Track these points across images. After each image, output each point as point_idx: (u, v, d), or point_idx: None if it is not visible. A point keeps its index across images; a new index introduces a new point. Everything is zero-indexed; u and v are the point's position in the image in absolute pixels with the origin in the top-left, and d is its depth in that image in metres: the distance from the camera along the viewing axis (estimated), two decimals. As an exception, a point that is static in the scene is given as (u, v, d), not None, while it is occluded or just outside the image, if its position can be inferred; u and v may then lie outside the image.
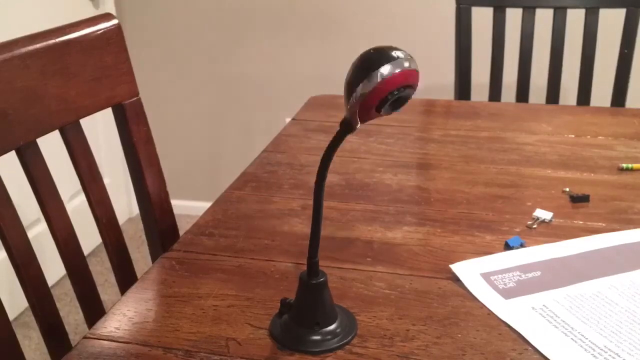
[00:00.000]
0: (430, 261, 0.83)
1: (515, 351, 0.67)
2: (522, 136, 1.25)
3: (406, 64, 0.58)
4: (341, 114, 1.51)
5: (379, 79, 0.57)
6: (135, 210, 2.65)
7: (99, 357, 0.67)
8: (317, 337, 0.68)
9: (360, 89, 0.58)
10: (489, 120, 1.35)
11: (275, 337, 0.69)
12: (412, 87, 0.59)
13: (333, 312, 0.69)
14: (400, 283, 0.79)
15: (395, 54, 0.58)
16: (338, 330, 0.69)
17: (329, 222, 0.93)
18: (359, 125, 0.61)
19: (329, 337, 0.68)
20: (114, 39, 0.99)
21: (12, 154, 0.86)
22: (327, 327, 0.68)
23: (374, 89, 0.57)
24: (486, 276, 0.79)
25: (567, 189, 1.02)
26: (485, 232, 0.90)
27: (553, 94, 1.69)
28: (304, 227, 0.92)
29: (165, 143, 2.61)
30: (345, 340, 0.68)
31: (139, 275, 0.90)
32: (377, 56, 0.58)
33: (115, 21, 0.99)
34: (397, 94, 0.58)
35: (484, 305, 0.74)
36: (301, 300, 0.69)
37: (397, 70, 0.57)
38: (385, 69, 0.57)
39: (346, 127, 0.62)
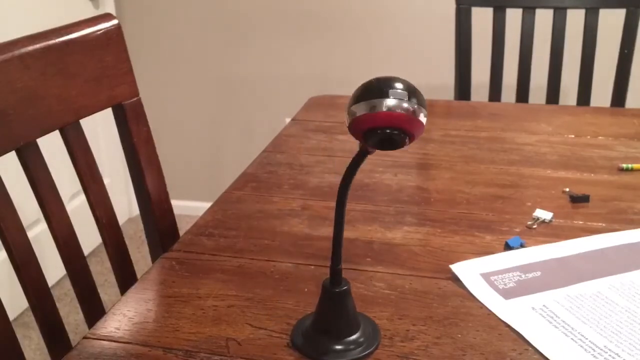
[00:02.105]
0: (430, 261, 0.83)
1: (515, 351, 0.67)
2: (522, 136, 1.25)
3: (405, 105, 0.55)
4: (340, 114, 1.52)
5: (367, 110, 0.56)
6: (135, 210, 2.65)
7: (99, 357, 0.67)
8: (340, 347, 0.66)
9: (351, 111, 0.57)
10: (489, 120, 1.35)
11: (297, 346, 0.67)
12: (404, 131, 0.56)
13: (356, 321, 0.68)
14: (400, 283, 0.79)
15: (397, 90, 0.55)
16: (361, 339, 0.67)
17: (329, 223, 0.93)
18: (371, 150, 0.59)
19: (352, 346, 0.66)
20: (114, 39, 0.99)
21: (12, 154, 0.86)
22: (350, 336, 0.67)
23: (360, 118, 0.56)
24: (486, 276, 0.79)
25: (567, 189, 1.02)
26: (485, 232, 0.90)
27: (553, 94, 1.69)
28: (303, 228, 0.92)
29: (166, 143, 2.61)
30: (368, 350, 0.67)
31: (139, 275, 0.90)
32: (380, 86, 0.56)
33: (115, 21, 0.99)
34: (380, 133, 0.56)
35: (484, 306, 0.74)
36: (324, 308, 0.68)
37: (387, 109, 0.55)
38: (380, 104, 0.56)
39: (360, 152, 0.60)
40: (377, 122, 0.56)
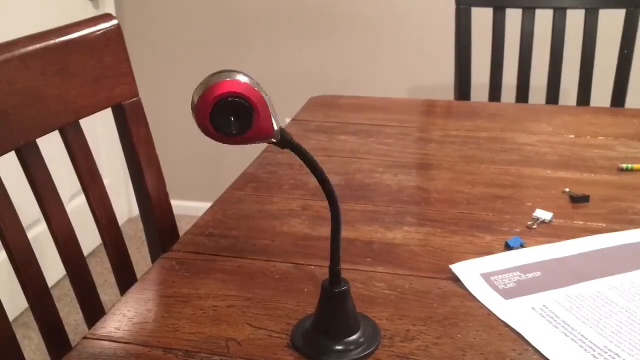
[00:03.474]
0: (430, 261, 0.83)
1: (515, 351, 0.67)
2: (522, 136, 1.25)
3: (237, 77, 0.57)
4: (340, 114, 1.52)
5: (205, 87, 0.57)
6: (135, 210, 2.65)
7: (99, 358, 0.67)
8: (340, 347, 0.66)
9: (194, 101, 0.58)
10: (488, 120, 1.35)
11: (297, 347, 0.67)
12: (243, 98, 0.57)
13: (356, 321, 0.68)
14: (400, 283, 0.79)
15: (230, 73, 0.58)
16: (361, 340, 0.67)
17: (329, 223, 0.93)
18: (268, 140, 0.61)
19: (352, 347, 0.66)
20: (114, 39, 0.99)
21: (12, 154, 0.86)
22: (350, 336, 0.67)
23: (201, 96, 0.57)
24: (486, 276, 0.79)
25: (567, 189, 1.02)
26: (485, 232, 0.90)
27: (553, 94, 1.69)
28: (304, 228, 0.92)
29: (165, 143, 2.61)
30: (368, 350, 0.66)
31: (138, 275, 0.90)
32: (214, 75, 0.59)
33: (115, 21, 0.99)
34: (223, 102, 0.57)
35: (484, 306, 0.74)
36: (323, 309, 0.67)
37: (225, 80, 0.57)
38: (213, 79, 0.57)
39: (281, 143, 0.61)
40: (217, 93, 0.57)
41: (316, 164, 0.64)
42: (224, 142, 0.60)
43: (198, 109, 0.58)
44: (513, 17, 1.69)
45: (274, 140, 0.62)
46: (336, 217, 0.65)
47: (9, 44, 0.84)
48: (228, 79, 0.58)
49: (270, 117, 0.60)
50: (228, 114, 0.58)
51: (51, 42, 0.89)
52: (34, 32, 0.88)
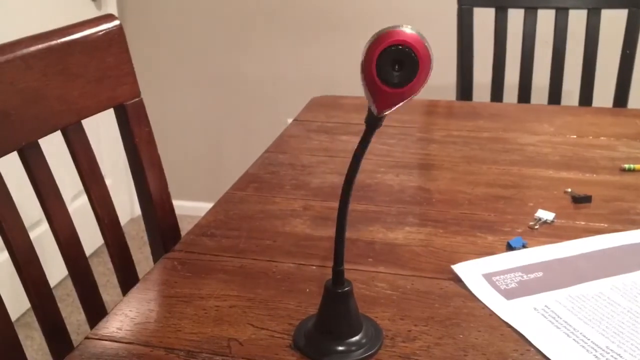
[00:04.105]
0: (432, 262, 0.83)
1: (517, 352, 0.67)
2: (524, 137, 1.25)
3: (402, 27, 0.58)
4: (342, 115, 1.52)
5: (372, 39, 0.58)
6: (137, 210, 2.65)
7: (101, 358, 0.67)
8: (342, 348, 0.66)
9: (362, 57, 0.58)
10: (490, 120, 1.35)
11: (299, 347, 0.67)
12: (408, 45, 0.59)
13: (359, 321, 0.68)
14: (402, 284, 0.79)
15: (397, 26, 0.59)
16: (364, 340, 0.67)
17: (331, 223, 0.93)
18: (381, 114, 0.61)
19: (354, 347, 0.66)
20: (116, 40, 0.99)
21: (14, 155, 0.86)
22: (352, 337, 0.67)
23: (368, 48, 0.57)
24: (488, 277, 0.79)
25: (569, 190, 1.02)
26: (487, 232, 0.90)
27: (555, 95, 1.69)
28: (305, 228, 0.92)
29: (167, 144, 2.61)
30: (371, 351, 0.66)
31: (140, 275, 0.90)
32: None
33: (117, 22, 0.99)
34: (390, 49, 0.58)
35: (486, 306, 0.74)
36: (326, 309, 0.67)
37: (389, 31, 0.58)
38: (379, 32, 0.58)
39: (369, 120, 0.62)
40: (386, 41, 0.58)
41: (360, 159, 0.65)
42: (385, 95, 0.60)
43: (366, 58, 0.58)
44: (515, 17, 1.69)
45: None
46: (343, 217, 0.65)
47: (11, 44, 0.84)
48: (397, 30, 0.58)
49: (426, 79, 0.60)
50: (393, 64, 0.59)
51: (53, 42, 0.89)
52: (36, 32, 0.88)
